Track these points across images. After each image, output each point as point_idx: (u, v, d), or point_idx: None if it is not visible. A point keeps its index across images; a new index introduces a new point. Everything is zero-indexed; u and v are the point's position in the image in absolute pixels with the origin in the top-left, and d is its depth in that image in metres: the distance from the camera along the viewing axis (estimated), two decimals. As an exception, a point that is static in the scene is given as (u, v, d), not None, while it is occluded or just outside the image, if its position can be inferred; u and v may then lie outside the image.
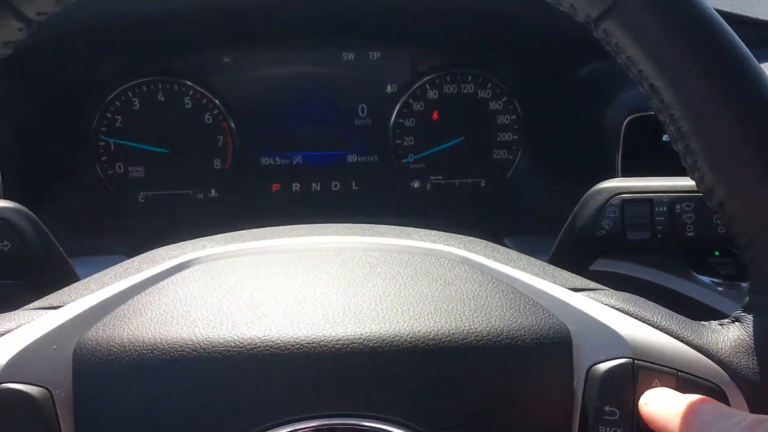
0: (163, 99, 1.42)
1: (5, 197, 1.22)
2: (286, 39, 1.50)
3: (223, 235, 0.72)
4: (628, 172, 1.26)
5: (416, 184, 1.55)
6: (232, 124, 1.46)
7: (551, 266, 0.65)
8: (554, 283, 0.59)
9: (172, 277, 0.60)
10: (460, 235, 0.71)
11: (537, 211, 1.50)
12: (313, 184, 1.52)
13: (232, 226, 1.42)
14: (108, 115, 1.41)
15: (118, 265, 0.71)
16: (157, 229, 1.43)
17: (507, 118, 1.57)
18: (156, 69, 1.41)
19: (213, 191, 1.49)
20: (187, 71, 1.42)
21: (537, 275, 0.60)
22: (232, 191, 1.48)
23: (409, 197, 1.58)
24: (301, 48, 1.46)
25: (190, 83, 1.42)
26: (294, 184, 1.51)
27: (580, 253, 1.00)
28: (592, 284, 0.65)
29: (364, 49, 1.46)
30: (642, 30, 0.53)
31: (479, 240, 0.75)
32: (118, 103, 1.41)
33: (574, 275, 0.67)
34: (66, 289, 0.64)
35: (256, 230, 0.72)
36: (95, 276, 0.68)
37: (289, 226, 0.73)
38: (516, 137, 1.58)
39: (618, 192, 0.96)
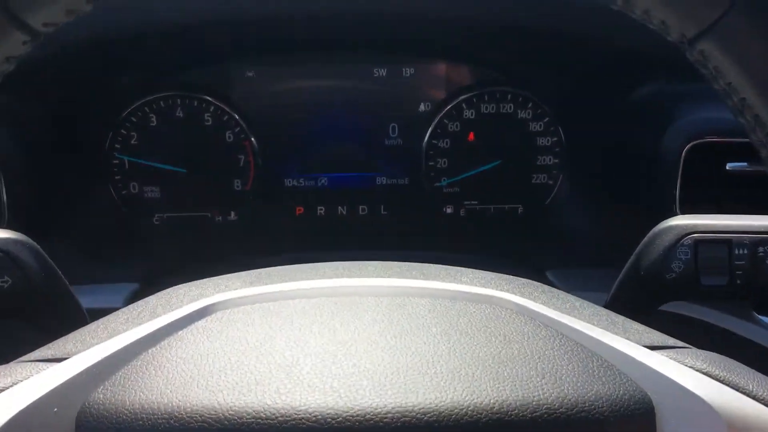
0: (181, 115, 1.36)
1: (12, 221, 1.14)
2: (313, 52, 1.42)
3: (247, 273, 0.66)
4: (687, 204, 1.16)
5: (449, 210, 1.49)
6: (255, 143, 1.39)
7: (621, 317, 0.59)
8: (628, 339, 0.53)
9: (192, 326, 0.53)
10: (513, 277, 0.66)
11: (581, 242, 1.40)
12: (340, 208, 1.46)
13: (252, 251, 1.37)
14: (123, 131, 1.36)
15: (131, 306, 0.63)
16: (173, 254, 1.37)
17: (548, 141, 1.48)
18: (174, 83, 1.35)
19: (233, 214, 1.43)
20: (208, 86, 1.36)
21: (607, 329, 0.54)
22: (253, 214, 1.42)
23: (441, 223, 1.49)
24: (329, 62, 1.40)
25: (210, 98, 1.36)
26: (319, 208, 1.45)
27: (645, 298, 0.89)
28: (670, 341, 0.56)
29: (397, 65, 1.40)
30: (748, 53, 0.44)
31: (535, 283, 0.67)
32: (134, 119, 1.36)
33: (648, 329, 0.58)
34: (71, 335, 0.57)
35: (286, 268, 0.66)
36: (105, 319, 0.60)
37: (322, 264, 0.67)
38: (557, 161, 1.48)
39: (691, 231, 0.85)
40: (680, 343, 0.55)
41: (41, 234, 0.85)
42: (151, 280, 1.23)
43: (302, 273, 0.63)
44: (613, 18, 1.08)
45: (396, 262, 0.68)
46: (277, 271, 0.66)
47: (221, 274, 0.67)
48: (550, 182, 1.50)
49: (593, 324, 0.54)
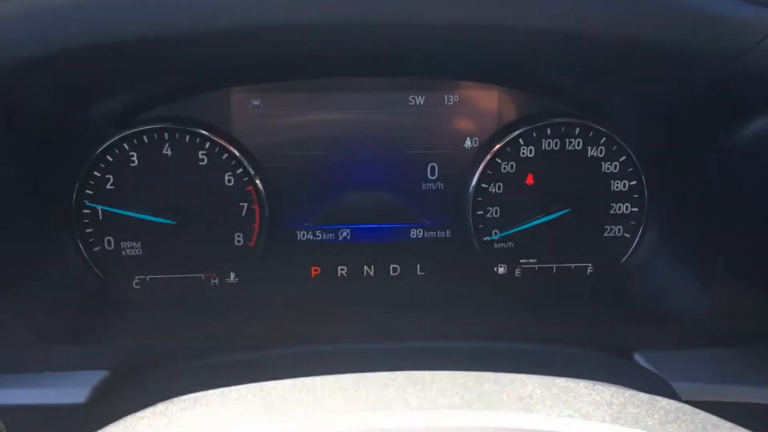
0: (169, 153, 1.18)
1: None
2: (334, 76, 1.20)
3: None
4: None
5: (501, 270, 1.27)
6: (261, 187, 1.21)
7: None
8: None
9: None
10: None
11: (672, 312, 1.13)
12: (366, 268, 1.25)
13: (256, 326, 1.10)
14: (96, 173, 1.17)
15: None
16: (156, 330, 1.14)
17: (625, 185, 1.24)
18: (161, 113, 1.17)
19: (232, 275, 1.23)
20: (203, 117, 1.19)
21: None
22: (258, 276, 1.24)
23: (491, 287, 1.26)
24: (354, 88, 1.22)
25: (206, 132, 1.18)
26: (340, 268, 1.25)
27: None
28: None
29: (437, 91, 1.21)
30: None
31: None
32: (110, 158, 1.17)
33: None
34: None
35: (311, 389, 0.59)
36: None
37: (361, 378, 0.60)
38: (636, 210, 1.24)
39: None
40: None
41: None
42: (126, 366, 1.00)
43: (353, 406, 0.56)
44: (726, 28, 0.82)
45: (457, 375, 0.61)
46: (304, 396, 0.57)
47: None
48: (627, 236, 1.27)
49: None
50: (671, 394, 0.91)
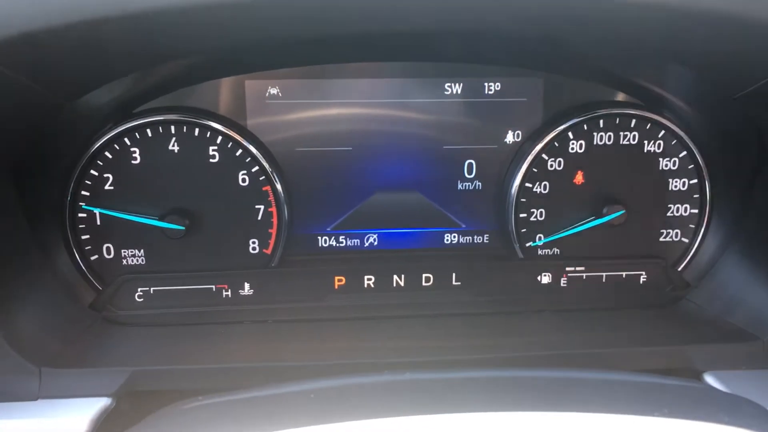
0: (176, 149, 1.07)
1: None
2: (360, 60, 1.08)
3: None
4: None
5: (546, 279, 1.16)
6: (279, 188, 1.10)
7: None
8: None
9: None
10: None
11: (740, 327, 1.03)
12: (395, 277, 1.14)
13: (275, 345, 1.01)
14: (93, 172, 1.07)
15: None
16: (162, 349, 1.02)
17: (684, 183, 1.13)
18: (169, 103, 1.07)
19: (246, 287, 1.13)
20: (214, 108, 1.08)
21: None
22: (275, 287, 1.14)
23: (534, 298, 1.15)
24: (383, 75, 1.11)
25: (217, 125, 1.07)
26: (366, 278, 1.14)
27: None
28: None
29: (477, 78, 1.11)
30: None
31: None
32: (109, 155, 1.07)
33: None
34: None
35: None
36: None
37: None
38: (696, 211, 1.14)
39: None
40: None
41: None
42: (130, 392, 0.91)
43: None
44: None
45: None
46: None
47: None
48: (685, 240, 1.16)
49: None
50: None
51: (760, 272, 1.03)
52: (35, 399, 0.86)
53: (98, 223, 1.07)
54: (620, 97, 1.10)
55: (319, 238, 1.14)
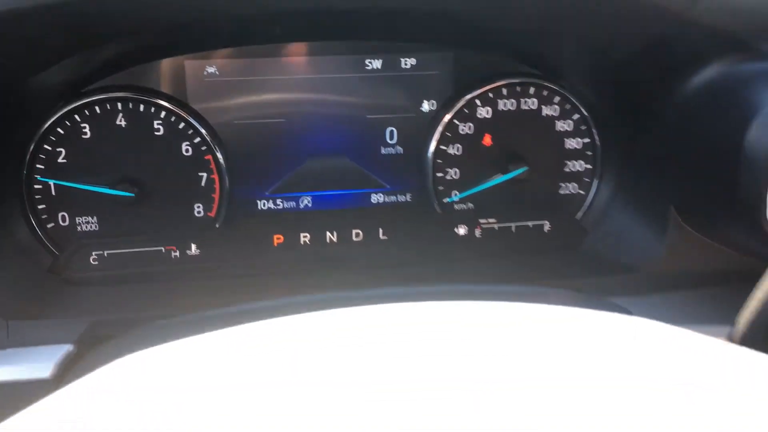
0: (124, 123, 1.13)
1: None
2: (290, 41, 1.17)
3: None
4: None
5: (462, 231, 1.26)
6: (220, 157, 1.18)
7: None
8: None
9: None
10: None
11: (630, 262, 1.14)
12: (328, 234, 1.23)
13: (220, 295, 1.08)
14: (46, 147, 1.12)
15: None
16: (117, 302, 1.09)
17: (579, 142, 1.25)
18: (115, 82, 1.12)
19: (193, 247, 1.19)
20: (157, 86, 1.14)
21: None
22: (219, 247, 1.20)
23: (452, 248, 1.25)
24: (311, 53, 1.19)
25: (161, 102, 1.13)
26: (302, 235, 1.22)
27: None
28: None
29: (394, 54, 1.19)
30: None
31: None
32: (61, 131, 1.12)
33: None
34: None
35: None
36: None
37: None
38: (590, 167, 1.26)
39: None
40: None
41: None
42: (90, 339, 0.97)
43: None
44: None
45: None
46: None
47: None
48: (582, 192, 1.28)
49: None
50: None
51: (641, 215, 1.18)
52: (4, 348, 0.93)
53: (53, 193, 1.12)
54: (521, 68, 1.21)
55: (258, 201, 1.21)
